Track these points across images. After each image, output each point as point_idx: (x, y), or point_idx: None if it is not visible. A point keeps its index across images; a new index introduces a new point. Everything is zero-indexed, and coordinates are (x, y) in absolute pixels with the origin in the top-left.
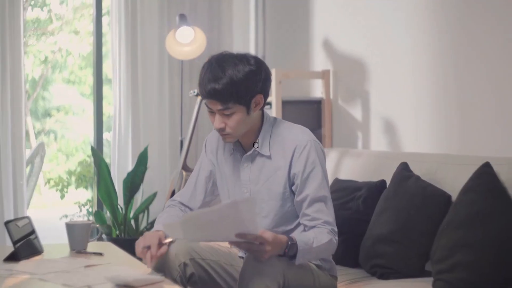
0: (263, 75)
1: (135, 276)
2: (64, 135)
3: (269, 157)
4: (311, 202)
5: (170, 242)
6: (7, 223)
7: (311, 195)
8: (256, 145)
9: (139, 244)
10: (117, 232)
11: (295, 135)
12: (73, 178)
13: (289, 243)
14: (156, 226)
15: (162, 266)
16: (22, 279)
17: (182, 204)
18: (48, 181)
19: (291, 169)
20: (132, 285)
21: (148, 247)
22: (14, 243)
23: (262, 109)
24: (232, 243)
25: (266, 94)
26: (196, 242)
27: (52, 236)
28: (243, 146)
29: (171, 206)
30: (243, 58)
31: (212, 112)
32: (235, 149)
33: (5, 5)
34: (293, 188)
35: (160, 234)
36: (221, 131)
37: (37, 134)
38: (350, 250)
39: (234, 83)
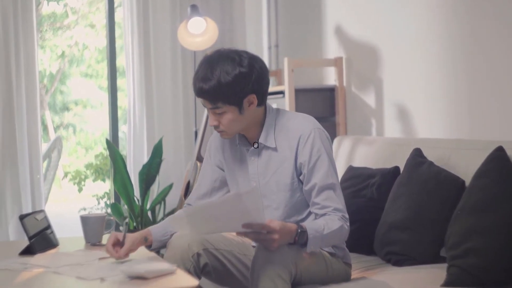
0: (255, 76)
1: (147, 268)
2: (82, 128)
3: (275, 149)
4: (320, 190)
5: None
6: (22, 218)
7: (319, 184)
8: (261, 139)
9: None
10: (134, 224)
11: (299, 124)
12: (90, 172)
13: (299, 230)
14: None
15: (174, 257)
16: (37, 272)
17: (190, 205)
18: (66, 174)
19: (297, 159)
20: (145, 276)
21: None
22: (30, 237)
23: (264, 103)
24: (239, 233)
25: (260, 93)
26: (204, 234)
27: (71, 229)
28: (249, 140)
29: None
30: (236, 58)
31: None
32: (240, 144)
33: (17, 0)
34: (301, 177)
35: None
36: (215, 128)
37: (56, 128)
38: (364, 238)
39: (222, 85)
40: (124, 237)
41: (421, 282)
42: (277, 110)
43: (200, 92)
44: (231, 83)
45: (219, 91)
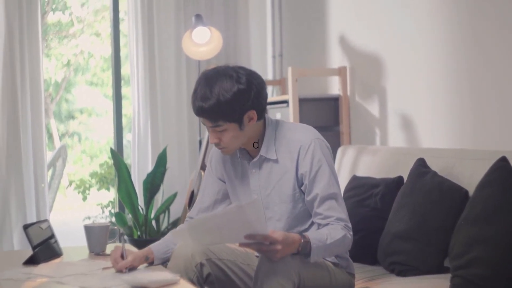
0: (254, 92)
1: (150, 278)
2: (88, 137)
3: (276, 161)
4: (322, 201)
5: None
6: (26, 228)
7: (320, 194)
8: (262, 151)
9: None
10: (139, 233)
11: (299, 135)
12: (95, 180)
13: (302, 241)
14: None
15: (177, 267)
16: (40, 282)
17: (192, 218)
18: (70, 183)
19: (298, 170)
20: (148, 286)
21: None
22: (33, 247)
23: (263, 117)
24: (242, 244)
25: (259, 108)
26: (206, 246)
27: (76, 238)
28: (249, 153)
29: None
30: (234, 76)
31: (207, 127)
32: (241, 157)
33: (23, 9)
34: (302, 188)
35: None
36: (216, 145)
37: (61, 137)
38: (368, 248)
39: (221, 103)
40: (123, 249)
41: None
42: (277, 121)
43: (200, 112)
44: (231, 101)
45: (219, 110)
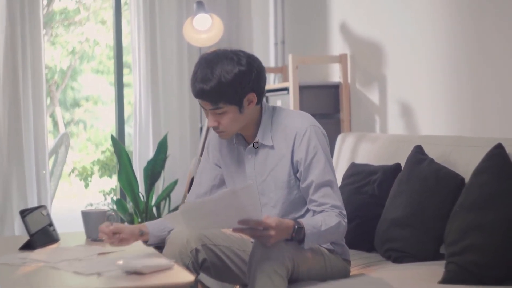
0: (254, 74)
1: (144, 263)
2: (93, 124)
3: (272, 147)
4: (317, 188)
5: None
6: (23, 213)
7: (316, 181)
8: (257, 138)
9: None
10: (139, 220)
11: (295, 122)
12: (97, 168)
13: (296, 227)
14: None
15: (173, 252)
16: (35, 267)
17: None
18: (72, 170)
19: (294, 157)
20: (142, 271)
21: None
22: (30, 233)
23: (261, 102)
24: (236, 230)
25: (259, 91)
26: (199, 230)
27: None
28: (245, 138)
29: None
30: (234, 58)
31: (206, 110)
32: (237, 143)
33: None
34: (298, 175)
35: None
36: (215, 129)
37: (67, 124)
38: (365, 234)
39: (223, 84)
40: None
41: (419, 279)
42: (273, 108)
43: (200, 93)
44: (232, 82)
45: (220, 91)
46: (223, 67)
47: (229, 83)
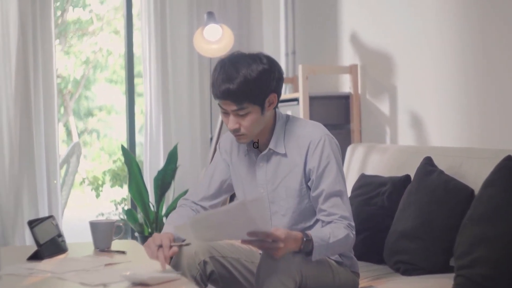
0: (276, 74)
1: (151, 274)
2: (106, 134)
3: (284, 155)
4: (327, 197)
5: (181, 245)
6: (32, 226)
7: (326, 190)
8: (271, 145)
9: (150, 245)
10: (149, 230)
11: (309, 131)
12: (108, 177)
13: (304, 239)
14: (166, 227)
15: (180, 264)
16: (42, 277)
17: (194, 203)
18: (83, 180)
19: (306, 165)
20: (148, 283)
21: (160, 246)
22: (38, 243)
23: (274, 108)
24: (244, 241)
25: (279, 93)
26: (208, 242)
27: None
28: (258, 146)
29: (182, 206)
30: (256, 57)
31: (226, 113)
32: (249, 150)
33: (36, 6)
34: (309, 183)
35: (170, 236)
36: (235, 132)
37: (80, 134)
38: (375, 246)
39: (249, 82)
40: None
41: None
42: (287, 116)
43: (226, 93)
44: (257, 80)
45: (247, 89)
46: (248, 66)
47: (254, 81)
